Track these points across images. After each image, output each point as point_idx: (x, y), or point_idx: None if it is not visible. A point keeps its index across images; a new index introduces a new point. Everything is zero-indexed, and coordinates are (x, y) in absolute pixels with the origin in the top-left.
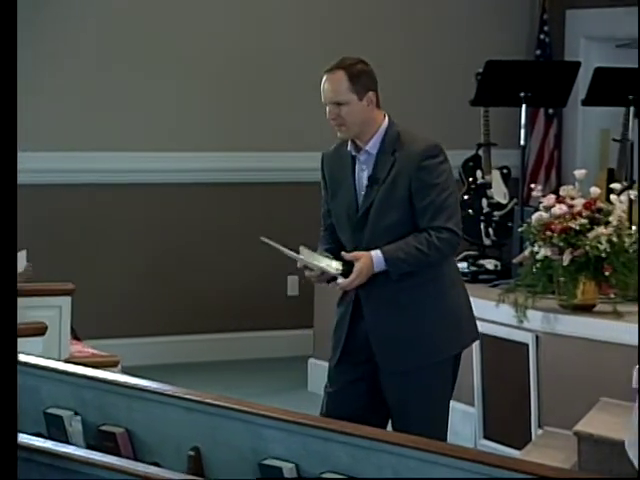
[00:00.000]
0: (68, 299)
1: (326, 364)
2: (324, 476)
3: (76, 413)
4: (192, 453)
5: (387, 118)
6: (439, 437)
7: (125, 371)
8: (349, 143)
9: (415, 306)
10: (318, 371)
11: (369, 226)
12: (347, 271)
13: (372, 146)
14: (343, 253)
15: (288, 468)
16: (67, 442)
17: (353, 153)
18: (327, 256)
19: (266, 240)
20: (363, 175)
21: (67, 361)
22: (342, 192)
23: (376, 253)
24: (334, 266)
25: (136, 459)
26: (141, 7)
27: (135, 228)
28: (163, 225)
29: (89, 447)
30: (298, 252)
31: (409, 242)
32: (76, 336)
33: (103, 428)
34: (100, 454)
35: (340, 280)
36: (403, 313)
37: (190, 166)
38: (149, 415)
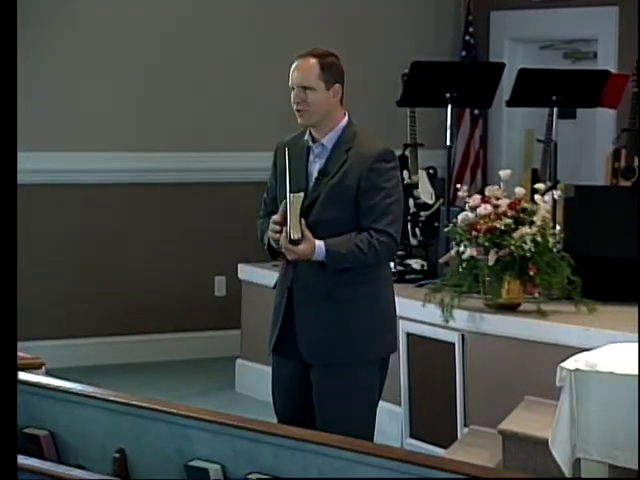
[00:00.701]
0: None
1: (253, 364)
2: (250, 477)
3: None
4: (117, 455)
5: (347, 116)
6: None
7: (50, 373)
8: (307, 133)
9: (347, 304)
10: (246, 372)
11: (312, 218)
12: (297, 242)
13: (328, 140)
14: (303, 222)
15: (214, 469)
16: None
17: (309, 144)
18: (301, 223)
19: (285, 153)
20: (315, 167)
21: None
22: (292, 181)
23: (320, 243)
24: (296, 229)
25: (60, 462)
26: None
27: (60, 228)
28: (90, 225)
29: None
30: (297, 192)
31: (351, 239)
32: None
33: (27, 431)
34: (23, 457)
35: (286, 243)
36: (334, 309)
37: (118, 166)
38: (73, 417)
